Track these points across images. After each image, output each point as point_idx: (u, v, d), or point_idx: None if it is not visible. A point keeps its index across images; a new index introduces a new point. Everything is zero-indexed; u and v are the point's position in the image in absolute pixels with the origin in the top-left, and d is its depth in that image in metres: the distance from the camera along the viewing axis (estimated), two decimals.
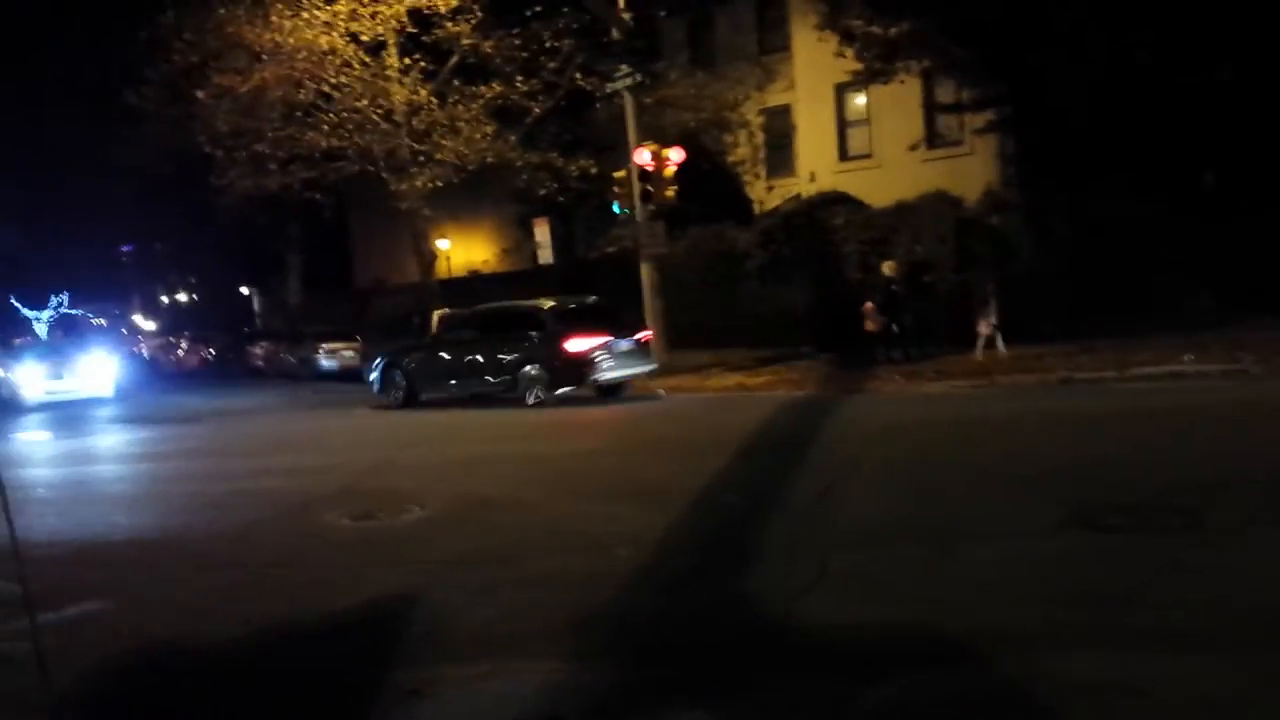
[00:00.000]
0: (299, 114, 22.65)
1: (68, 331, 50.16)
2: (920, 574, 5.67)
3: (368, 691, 4.50)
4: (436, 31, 22.47)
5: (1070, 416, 11.33)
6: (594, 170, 23.61)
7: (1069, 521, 6.43)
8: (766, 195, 27.67)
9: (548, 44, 22.57)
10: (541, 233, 32.72)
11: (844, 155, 26.51)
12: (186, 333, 41.40)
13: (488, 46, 22.61)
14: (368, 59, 22.42)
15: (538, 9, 22.00)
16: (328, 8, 21.49)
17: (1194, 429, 9.75)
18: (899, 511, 7.17)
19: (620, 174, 20.05)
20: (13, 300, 55.64)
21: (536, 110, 23.43)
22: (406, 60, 22.89)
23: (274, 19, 21.42)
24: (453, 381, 17.91)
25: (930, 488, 7.90)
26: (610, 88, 20.52)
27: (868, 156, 25.83)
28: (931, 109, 24.08)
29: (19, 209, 39.64)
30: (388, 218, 27.20)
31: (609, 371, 16.51)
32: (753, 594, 5.54)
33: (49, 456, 15.70)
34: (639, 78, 19.74)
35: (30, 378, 24.60)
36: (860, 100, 25.86)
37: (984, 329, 16.64)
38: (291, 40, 21.49)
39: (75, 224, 42.77)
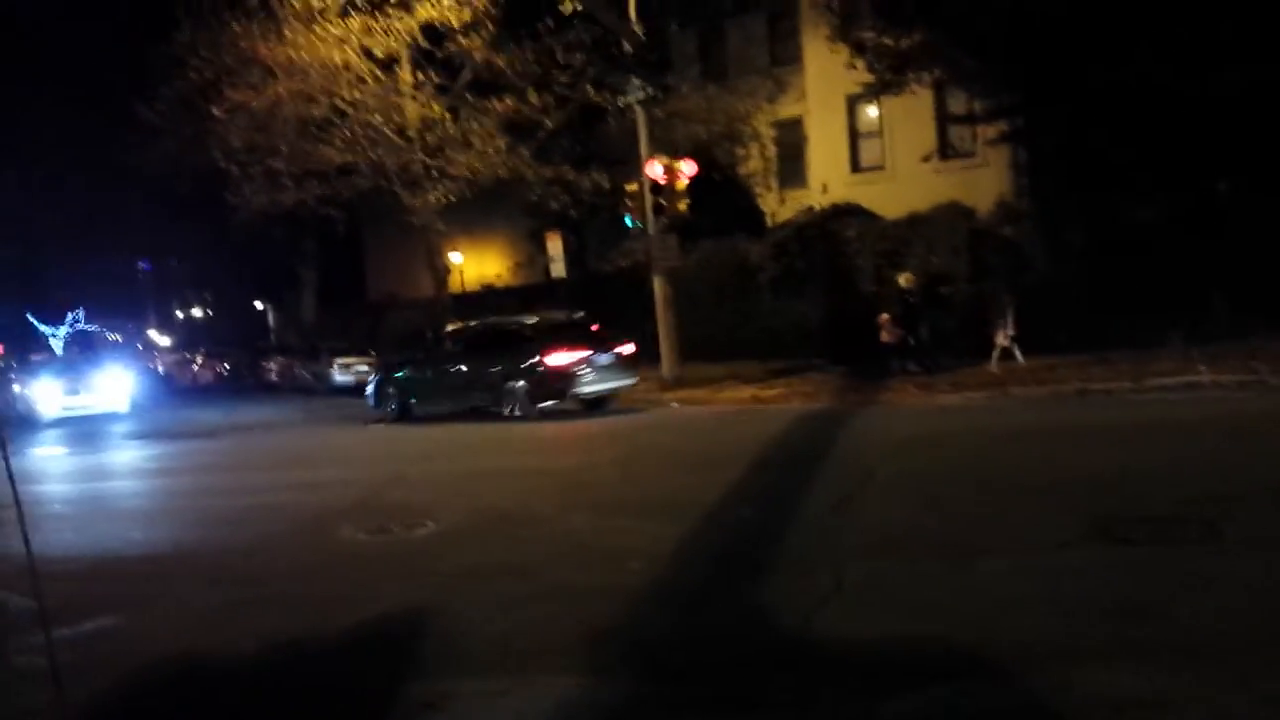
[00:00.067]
0: (313, 129, 22.78)
1: (84, 347, 50.48)
2: (937, 587, 5.62)
3: (383, 706, 4.49)
4: (449, 46, 22.58)
5: (1086, 428, 11.26)
6: (606, 184, 23.65)
7: (1087, 534, 6.38)
8: (779, 207, 27.66)
9: (560, 58, 22.65)
10: (554, 247, 32.77)
11: (856, 167, 26.48)
12: (202, 348, 41.59)
13: (500, 61, 22.71)
14: (381, 74, 22.53)
15: (550, 23, 22.09)
16: (341, 24, 21.62)
17: (1211, 440, 9.67)
18: (915, 524, 7.13)
19: (632, 187, 20.08)
20: (29, 316, 56.00)
21: (549, 124, 23.50)
22: (420, 75, 23.00)
23: (288, 35, 21.56)
24: (443, 396, 18.28)
25: (946, 500, 7.85)
26: (622, 101, 20.56)
27: (880, 168, 25.81)
28: (944, 120, 24.05)
29: (35, 225, 39.95)
30: (401, 232, 27.31)
31: (589, 385, 16.87)
32: (768, 607, 5.51)
33: (65, 472, 15.78)
34: (651, 91, 19.78)
35: (47, 393, 24.74)
36: (872, 112, 25.85)
37: (1001, 340, 16.56)
38: (305, 56, 21.62)
39: (91, 240, 43.07)
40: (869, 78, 20.98)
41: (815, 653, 4.81)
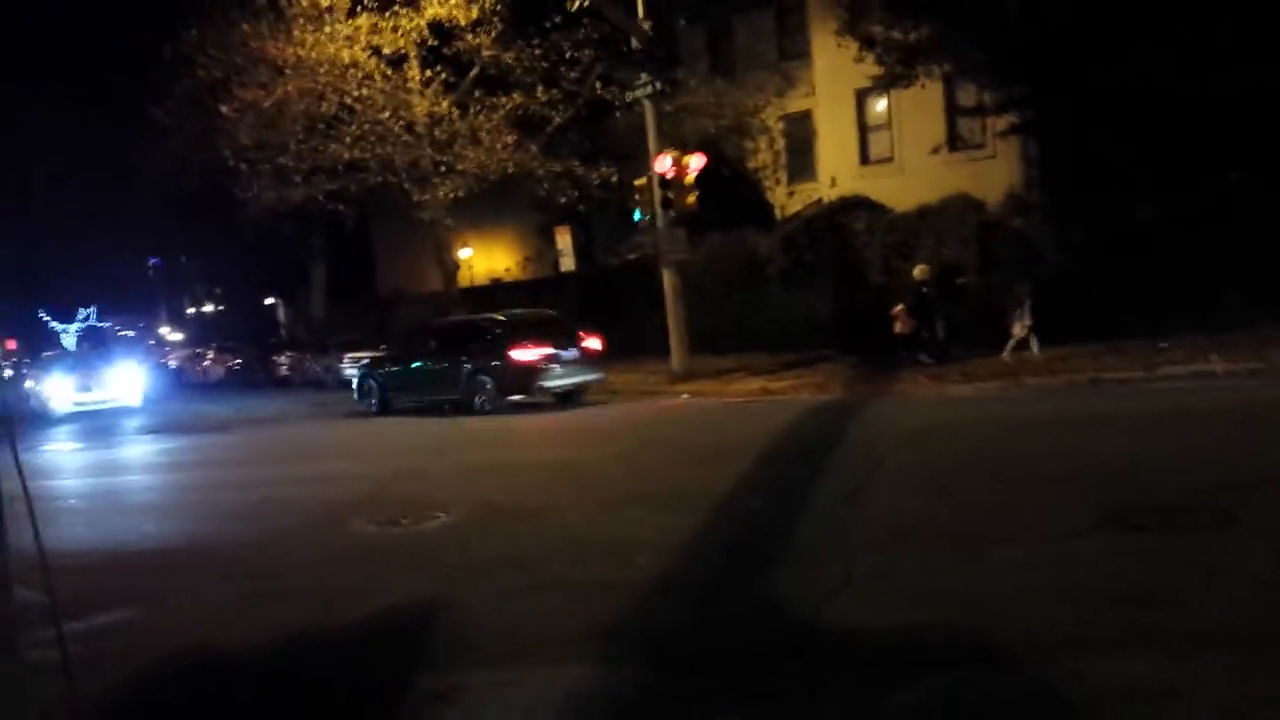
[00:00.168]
0: (321, 127, 22.82)
1: (96, 344, 50.72)
2: (949, 576, 5.62)
3: (394, 698, 4.51)
4: (457, 44, 22.58)
5: (1098, 417, 11.23)
6: (614, 178, 23.63)
7: (1100, 522, 6.37)
8: (787, 201, 27.62)
9: (568, 54, 22.63)
10: (563, 241, 32.79)
11: (865, 160, 26.42)
12: (213, 343, 41.69)
13: (508, 58, 22.71)
14: (389, 72, 22.55)
15: (558, 20, 22.08)
16: (349, 22, 21.64)
17: (1223, 428, 9.63)
18: (926, 514, 7.12)
19: (641, 181, 20.08)
20: (41, 314, 56.30)
21: (557, 119, 23.49)
22: (428, 72, 23.01)
23: (296, 34, 21.59)
24: (419, 390, 18.81)
25: (957, 490, 7.84)
26: (630, 96, 20.54)
27: (889, 161, 25.74)
28: (953, 112, 23.97)
29: (46, 224, 40.13)
30: (410, 228, 27.35)
31: (554, 380, 17.34)
32: (778, 599, 5.51)
33: (78, 467, 15.86)
34: (659, 86, 19.77)
35: (59, 389, 24.89)
36: (881, 105, 25.78)
37: (1018, 331, 16.46)
38: (313, 54, 21.65)
39: (102, 238, 43.24)
40: (877, 71, 20.91)
41: (825, 643, 4.81)
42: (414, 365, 19.10)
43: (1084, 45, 16.65)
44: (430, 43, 22.66)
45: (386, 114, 22.69)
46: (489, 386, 17.38)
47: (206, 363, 38.78)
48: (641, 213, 20.32)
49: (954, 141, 24.37)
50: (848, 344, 19.89)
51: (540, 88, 22.96)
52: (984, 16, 17.39)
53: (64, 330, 57.70)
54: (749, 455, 10.09)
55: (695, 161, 19.61)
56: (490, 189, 24.31)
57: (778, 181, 28.26)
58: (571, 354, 17.57)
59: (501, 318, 18.45)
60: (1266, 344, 14.19)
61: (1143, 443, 9.27)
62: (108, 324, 60.06)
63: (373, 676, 4.86)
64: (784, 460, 10.27)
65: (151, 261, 54.06)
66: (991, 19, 17.34)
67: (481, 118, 23.16)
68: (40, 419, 23.48)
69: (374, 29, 21.89)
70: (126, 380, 25.94)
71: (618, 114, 23.84)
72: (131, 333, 58.81)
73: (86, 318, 58.92)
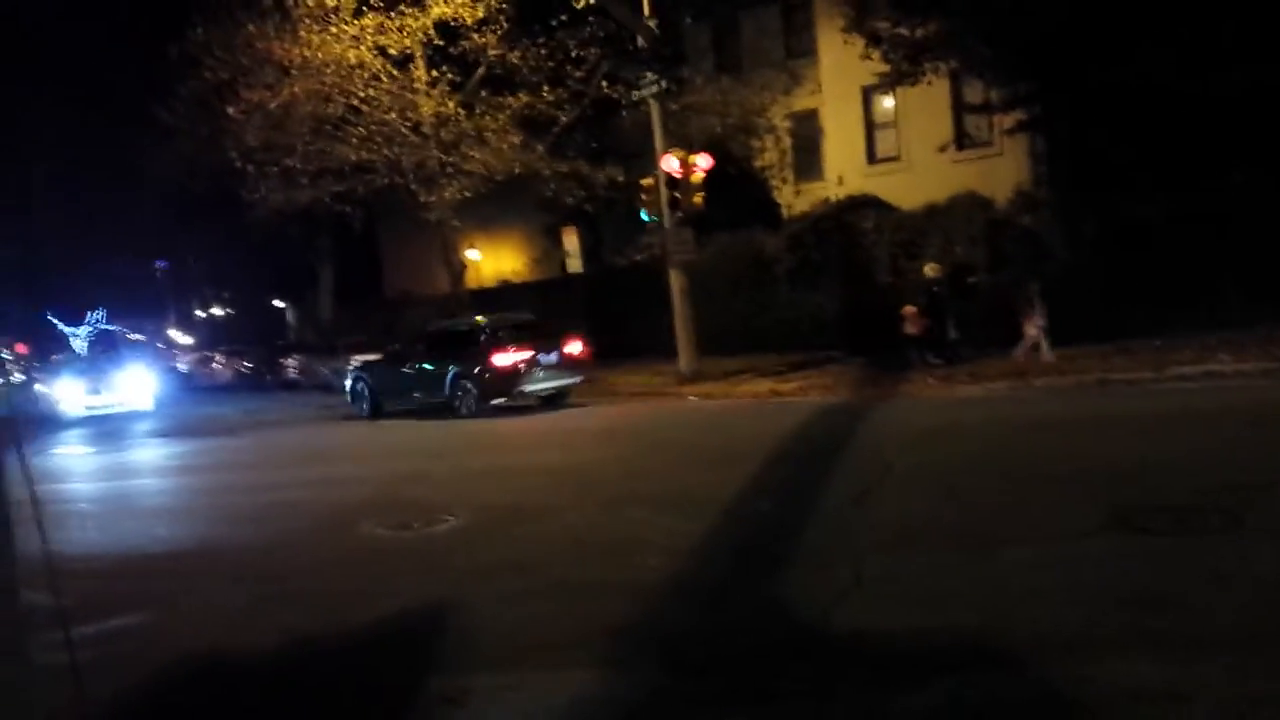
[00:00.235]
0: (328, 128, 22.84)
1: (105, 347, 50.89)
2: (956, 578, 5.62)
3: (403, 700, 4.53)
4: (463, 43, 22.60)
5: (1107, 418, 11.20)
6: (621, 178, 23.63)
7: (1108, 524, 6.36)
8: (794, 199, 27.57)
9: (574, 53, 22.64)
10: (570, 241, 32.79)
11: (872, 158, 26.37)
12: (222, 346, 41.81)
13: (514, 57, 22.72)
14: (395, 72, 22.58)
15: (563, 19, 22.08)
16: (355, 22, 21.67)
17: (1232, 429, 9.60)
18: (936, 516, 7.11)
19: (647, 181, 20.07)
20: (49, 317, 56.50)
21: (563, 119, 23.49)
22: (434, 73, 23.03)
23: (302, 34, 21.62)
24: (407, 393, 19.10)
25: (966, 491, 7.83)
26: (636, 95, 20.54)
27: (896, 159, 25.69)
28: (960, 109, 23.91)
29: (52, 226, 40.27)
30: (417, 229, 27.37)
31: (534, 384, 17.72)
32: (787, 601, 5.51)
33: (89, 470, 15.93)
34: (665, 85, 19.77)
35: (69, 393, 24.99)
36: (887, 102, 25.73)
37: (1031, 330, 16.37)
38: (319, 55, 21.68)
39: (110, 240, 43.36)
40: (884, 68, 20.86)
41: (834, 645, 4.81)
42: (402, 369, 19.43)
43: (1089, 42, 16.60)
44: (436, 43, 22.67)
45: (393, 115, 22.70)
46: (471, 390, 17.69)
47: (215, 366, 38.88)
48: (648, 213, 20.33)
49: (961, 139, 24.32)
50: (855, 344, 19.85)
51: (546, 87, 22.96)
52: (991, 12, 17.34)
53: (73, 334, 57.90)
54: (757, 457, 10.09)
55: (702, 161, 19.60)
56: (497, 190, 24.31)
57: (785, 180, 28.22)
58: (551, 358, 17.89)
59: (482, 322, 18.79)
60: (1275, 343, 14.14)
61: (1151, 444, 9.25)
62: (116, 327, 60.25)
63: (381, 679, 4.88)
64: (792, 462, 10.27)
65: (159, 264, 54.20)
66: (998, 15, 17.29)
67: (488, 118, 23.17)
68: (50, 422, 23.57)
69: (380, 29, 21.91)
70: (136, 383, 26.03)
71: (624, 113, 23.83)
72: (140, 336, 58.98)
73: (95, 321, 59.11)
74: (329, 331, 36.41)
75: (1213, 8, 15.91)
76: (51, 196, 38.86)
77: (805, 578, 5.90)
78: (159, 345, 54.00)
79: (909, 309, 17.84)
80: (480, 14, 21.97)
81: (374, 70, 22.21)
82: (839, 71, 25.26)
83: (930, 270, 18.18)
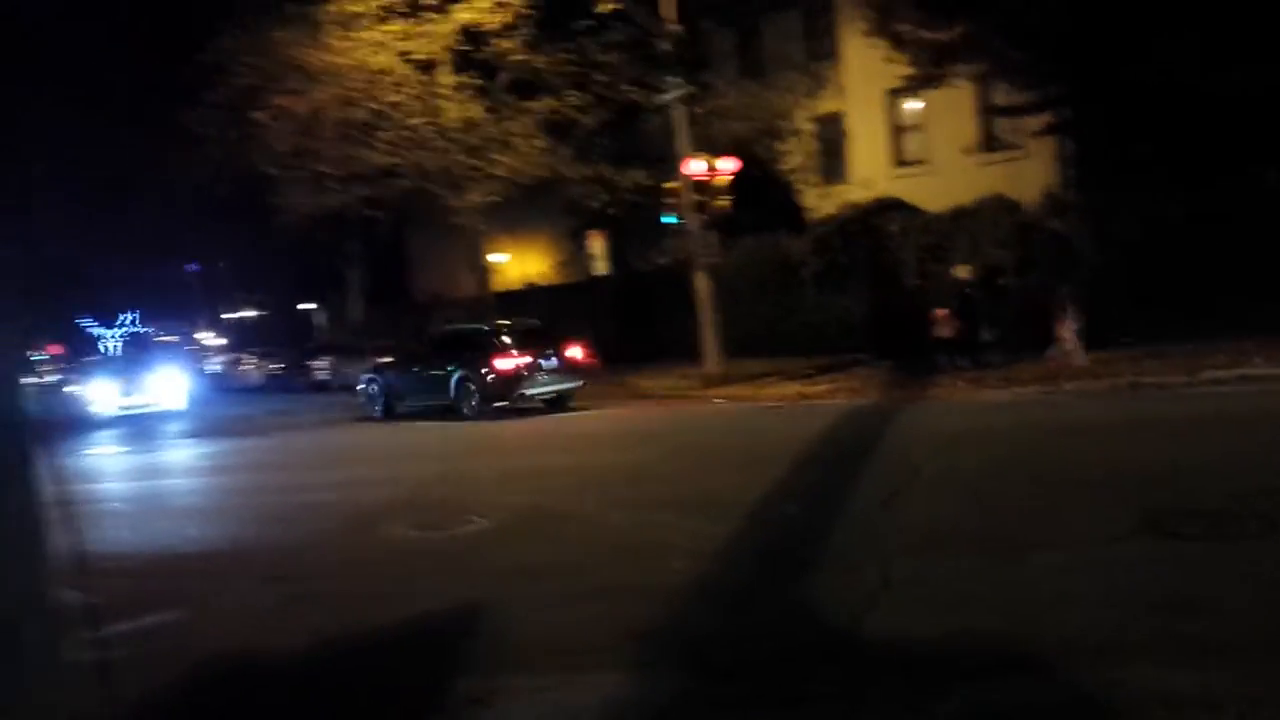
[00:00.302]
0: (355, 133, 23.00)
1: (138, 348, 51.43)
2: (988, 583, 5.58)
3: (431, 701, 4.55)
4: (487, 48, 22.68)
5: (1139, 422, 11.09)
6: (646, 181, 23.66)
7: (1141, 529, 6.30)
8: (820, 203, 27.50)
9: (597, 58, 22.68)
10: (595, 245, 32.84)
11: (897, 161, 26.26)
12: (252, 348, 42.12)
13: (538, 62, 22.79)
14: (421, 77, 22.71)
15: (587, 24, 22.12)
16: (381, 28, 21.81)
17: (1266, 433, 9.48)
18: (965, 520, 7.07)
19: (672, 185, 20.09)
20: (81, 320, 57.21)
21: (588, 123, 23.54)
22: (460, 78, 23.13)
23: (329, 40, 21.79)
24: (416, 395, 19.57)
25: (997, 495, 7.78)
26: (660, 100, 20.56)
27: (922, 162, 25.56)
28: (986, 112, 23.76)
29: (88, 230, 40.70)
30: (445, 232, 27.50)
31: (535, 388, 18.13)
32: (815, 605, 5.50)
33: (121, 470, 16.11)
34: (689, 89, 19.77)
35: (103, 393, 25.27)
36: (913, 105, 25.60)
37: (1066, 334, 16.21)
38: (345, 61, 21.84)
39: (142, 244, 43.80)
40: (909, 71, 20.77)
41: (863, 649, 4.80)
42: (411, 372, 19.90)
43: (1116, 41, 16.45)
44: (461, 48, 22.77)
45: (419, 119, 22.83)
46: (474, 393, 18.08)
47: (246, 367, 39.17)
48: (673, 216, 20.34)
49: (988, 142, 24.17)
50: (882, 347, 19.76)
51: (571, 92, 23.03)
52: (1016, 14, 17.22)
53: (106, 335, 58.60)
54: (783, 460, 10.07)
55: (727, 165, 19.58)
56: (523, 193, 24.39)
57: (810, 184, 28.14)
58: (552, 363, 18.28)
59: (486, 327, 19.32)
60: None
61: (1184, 448, 9.15)
62: (149, 329, 60.87)
63: (408, 680, 4.90)
64: (819, 465, 10.24)
65: (190, 267, 54.73)
66: (1024, 17, 17.17)
67: (513, 122, 23.26)
68: (82, 423, 23.84)
69: (405, 35, 22.04)
70: (168, 384, 26.30)
71: (648, 117, 23.85)
72: (173, 338, 59.56)
73: (128, 323, 59.80)
74: (359, 334, 36.62)
75: (1239, 4, 15.74)
76: (84, 201, 39.32)
77: (832, 581, 5.89)
78: (190, 347, 54.50)
79: (941, 312, 17.68)
80: (505, 19, 22.06)
81: (399, 76, 22.35)
82: (863, 74, 25.17)
83: (962, 272, 18.03)
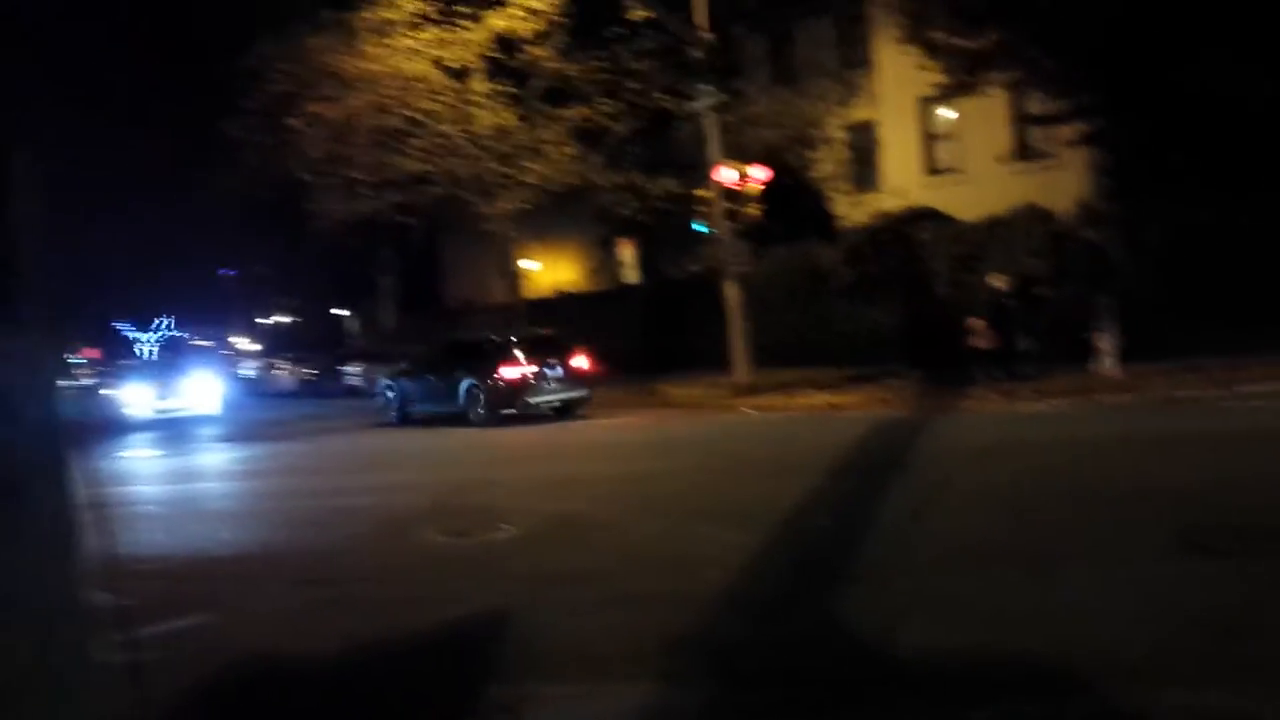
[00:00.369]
0: (388, 140, 23.17)
1: (173, 352, 52.09)
2: (1021, 598, 5.53)
3: (461, 708, 4.55)
4: (520, 56, 22.79)
5: (1176, 437, 10.95)
6: (677, 189, 23.68)
7: (1176, 545, 6.22)
8: (851, 211, 27.42)
9: (629, 65, 22.74)
10: (625, 253, 32.91)
11: (930, 169, 26.14)
12: (285, 353, 42.52)
13: (571, 69, 22.87)
14: (454, 84, 22.84)
15: (619, 31, 22.19)
16: (415, 35, 21.96)
17: None
18: (998, 534, 7.01)
19: (704, 193, 20.08)
20: (117, 324, 58.01)
21: (619, 131, 23.59)
22: (492, 85, 23.25)
23: (363, 47, 21.98)
24: (427, 402, 20.11)
25: (1030, 510, 7.71)
26: (691, 107, 20.58)
27: (954, 170, 25.43)
28: (1020, 121, 23.61)
29: (124, 235, 41.33)
30: (476, 239, 27.65)
31: (540, 396, 18.57)
32: (846, 617, 5.46)
33: (156, 473, 16.29)
34: (721, 97, 19.77)
35: (139, 396, 25.60)
36: (946, 113, 25.50)
37: (1104, 345, 16.02)
38: (380, 68, 22.01)
39: (179, 249, 44.41)
40: (941, 79, 20.67)
41: (894, 663, 4.76)
42: (425, 378, 20.39)
43: (1153, 51, 16.29)
44: (494, 56, 22.89)
45: (451, 127, 22.96)
46: (482, 400, 18.54)
47: (280, 372, 39.54)
48: (703, 224, 20.34)
49: (1021, 150, 24.01)
50: (914, 358, 19.65)
51: (602, 99, 23.09)
52: (1052, 23, 17.09)
53: (142, 339, 59.37)
54: (815, 470, 10.03)
55: (759, 173, 19.56)
56: (554, 201, 24.48)
57: (841, 192, 28.08)
58: (557, 372, 18.70)
59: (495, 336, 19.81)
60: None
61: (1220, 463, 9.02)
62: (184, 333, 61.62)
63: (439, 685, 4.91)
64: (850, 476, 10.18)
65: (224, 272, 55.36)
66: (1059, 26, 17.03)
67: (544, 130, 23.35)
68: (117, 425, 24.14)
69: (438, 43, 22.19)
70: (203, 388, 26.61)
71: (679, 125, 23.88)
72: (208, 342, 60.23)
73: (163, 327, 60.56)
74: (391, 340, 36.88)
75: (1273, 11, 15.55)
76: (121, 206, 39.94)
77: (864, 593, 5.85)
78: (224, 351, 55.08)
79: (976, 321, 17.51)
80: (538, 27, 22.16)
81: (432, 83, 22.50)
82: (895, 82, 25.09)
83: (997, 282, 17.85)
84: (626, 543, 7.76)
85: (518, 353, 18.58)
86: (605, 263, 34.31)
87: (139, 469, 16.79)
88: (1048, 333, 17.38)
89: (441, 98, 22.70)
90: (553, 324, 23.06)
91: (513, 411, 18.33)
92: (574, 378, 18.94)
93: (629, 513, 8.89)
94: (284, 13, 22.14)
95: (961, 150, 25.38)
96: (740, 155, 20.80)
